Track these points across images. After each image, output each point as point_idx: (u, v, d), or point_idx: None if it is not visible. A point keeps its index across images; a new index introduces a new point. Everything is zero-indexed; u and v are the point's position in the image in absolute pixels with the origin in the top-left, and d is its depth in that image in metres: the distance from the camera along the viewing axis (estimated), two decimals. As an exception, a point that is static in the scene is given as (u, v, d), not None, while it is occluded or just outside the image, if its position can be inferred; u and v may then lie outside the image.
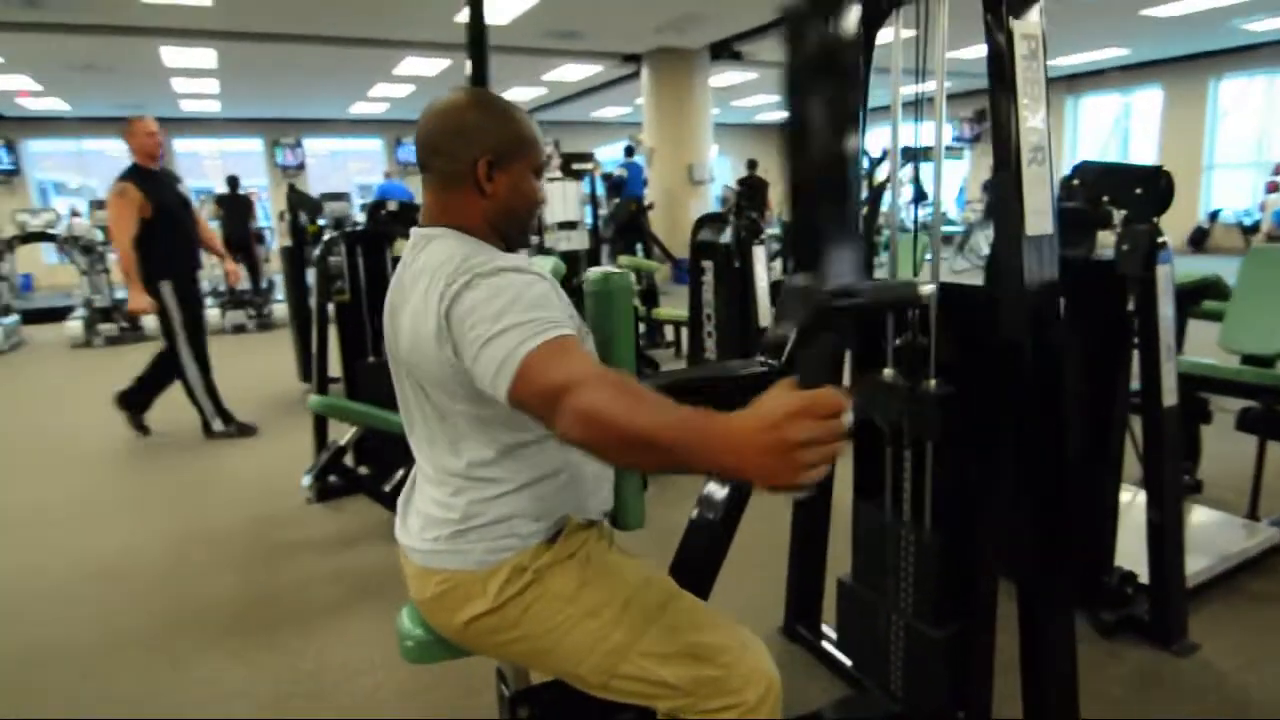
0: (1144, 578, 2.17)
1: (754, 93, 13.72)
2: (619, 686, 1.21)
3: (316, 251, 3.47)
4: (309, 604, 2.53)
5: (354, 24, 8.26)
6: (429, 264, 1.16)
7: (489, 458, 1.20)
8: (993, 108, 1.43)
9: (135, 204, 3.81)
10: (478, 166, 1.17)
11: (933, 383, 1.59)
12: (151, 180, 3.92)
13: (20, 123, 13.07)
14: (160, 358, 4.26)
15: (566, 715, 1.40)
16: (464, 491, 1.22)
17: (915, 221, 2.88)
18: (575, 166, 6.03)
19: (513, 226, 1.25)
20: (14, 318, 7.98)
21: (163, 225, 3.90)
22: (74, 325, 7.61)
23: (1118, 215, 2.07)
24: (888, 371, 1.68)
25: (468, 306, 1.06)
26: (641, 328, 6.37)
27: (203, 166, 14.84)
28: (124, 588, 2.69)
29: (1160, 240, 2.00)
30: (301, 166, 15.01)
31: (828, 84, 1.24)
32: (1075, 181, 2.20)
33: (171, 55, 9.16)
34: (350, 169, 16.07)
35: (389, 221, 3.47)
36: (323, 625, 2.39)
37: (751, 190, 11.01)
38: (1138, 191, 2.02)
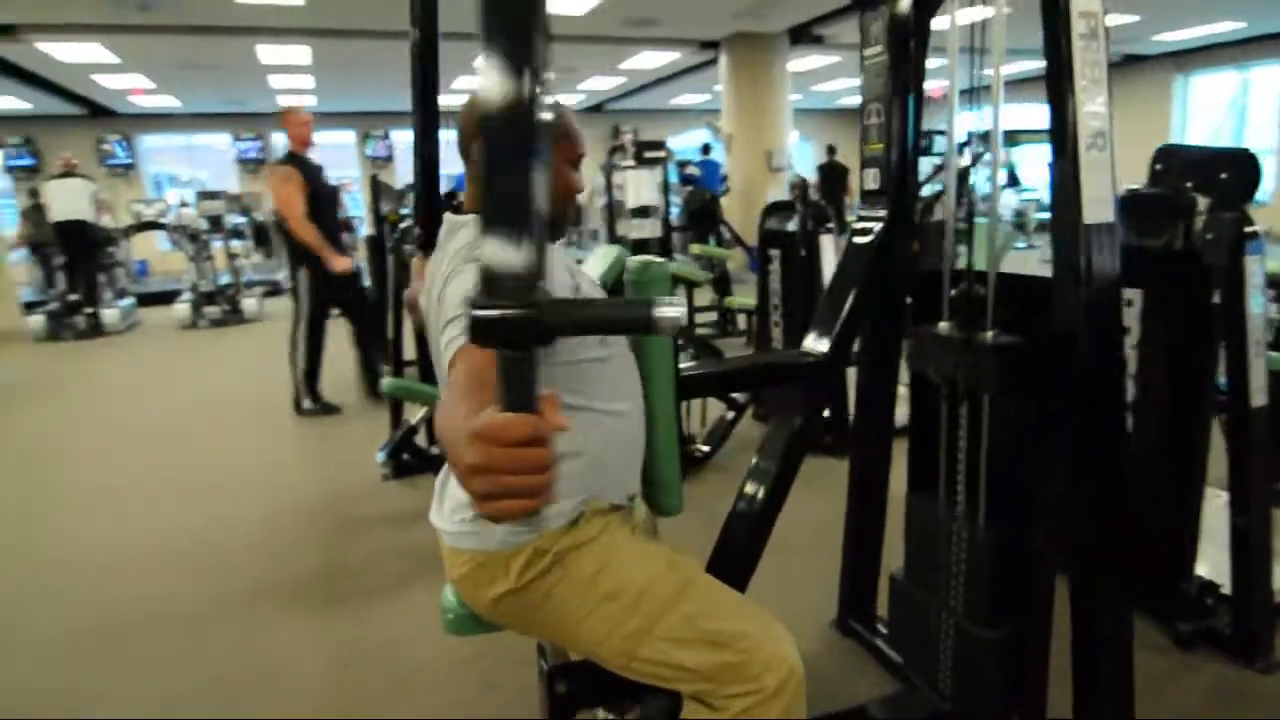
0: (1227, 588, 2.05)
1: (835, 77, 13.39)
2: (639, 669, 1.24)
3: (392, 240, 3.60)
4: (379, 576, 2.66)
5: (441, 18, 8.46)
6: (450, 250, 1.20)
7: (508, 440, 1.23)
8: (1049, 90, 1.37)
9: (299, 185, 4.05)
10: None
11: (990, 334, 1.54)
12: (306, 166, 4.19)
13: (136, 119, 13.97)
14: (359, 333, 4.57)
15: (602, 691, 1.43)
16: (489, 471, 1.25)
17: (962, 209, 2.74)
18: (648, 155, 6.05)
19: (550, 216, 1.28)
20: (130, 301, 8.57)
21: (313, 210, 4.13)
22: (182, 308, 8.12)
23: (1203, 202, 1.95)
24: (943, 324, 1.64)
25: (452, 289, 1.12)
26: (713, 315, 6.35)
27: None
28: (220, 555, 2.88)
29: (1250, 229, 1.87)
30: (389, 158, 15.52)
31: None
32: (1158, 166, 2.08)
33: (267, 53, 9.60)
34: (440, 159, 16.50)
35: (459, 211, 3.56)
36: (389, 596, 2.51)
37: (831, 177, 10.79)
38: (1223, 176, 1.89)
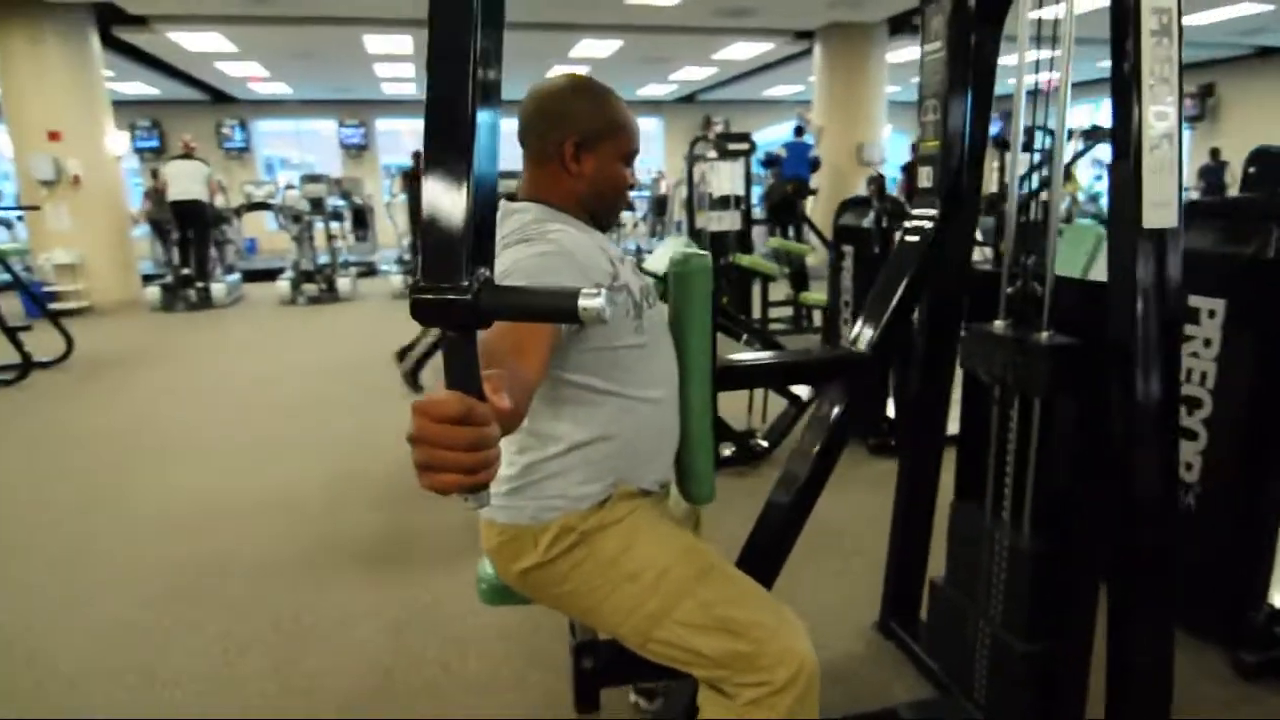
0: (1303, 619, 1.93)
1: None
2: (656, 650, 1.27)
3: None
4: (438, 546, 2.78)
5: (532, 9, 8.63)
6: (512, 229, 1.25)
7: (548, 418, 1.28)
8: (1113, 86, 1.32)
9: None
10: (565, 147, 1.25)
11: (1045, 334, 1.49)
12: None
13: (252, 104, 14.82)
14: None
15: (626, 669, 1.46)
16: (527, 450, 1.31)
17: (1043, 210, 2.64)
18: (731, 147, 6.02)
19: (600, 207, 1.32)
20: (236, 276, 9.13)
21: None
22: (282, 285, 8.59)
23: (1299, 208, 1.82)
24: (999, 323, 1.60)
25: (513, 272, 1.14)
26: (789, 310, 6.28)
27: (401, 144, 16.13)
28: (291, 515, 3.06)
29: (1349, 238, 1.75)
30: (484, 145, 15.92)
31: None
32: (1252, 169, 1.96)
33: (373, 42, 10.00)
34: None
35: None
36: (446, 566, 2.62)
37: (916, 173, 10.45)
38: (1322, 181, 1.77)
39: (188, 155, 8.26)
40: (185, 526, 2.99)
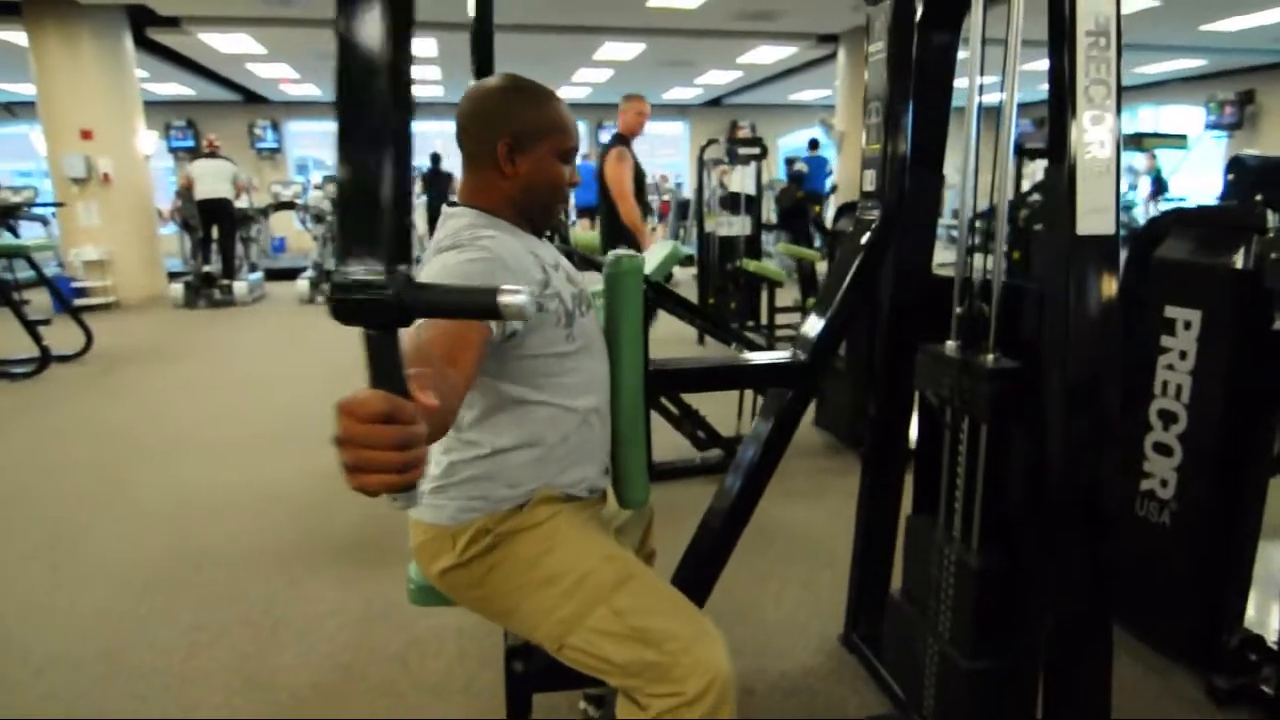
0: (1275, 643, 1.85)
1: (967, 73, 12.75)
2: (570, 656, 1.26)
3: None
4: (414, 546, 2.79)
5: (556, 12, 8.68)
6: (441, 235, 1.25)
7: (470, 420, 1.28)
8: (1050, 85, 1.28)
9: (630, 166, 4.25)
10: (498, 148, 1.23)
11: (990, 357, 1.46)
12: (631, 151, 4.38)
13: (284, 106, 15.09)
14: None
15: (560, 675, 1.45)
16: (450, 450, 1.30)
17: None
18: (742, 152, 5.99)
19: (535, 208, 1.30)
20: (259, 275, 9.29)
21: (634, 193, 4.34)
22: (302, 284, 8.72)
23: (1275, 218, 1.76)
24: (949, 344, 1.56)
25: (438, 277, 1.13)
26: (798, 316, 6.23)
27: (430, 145, 16.31)
28: (278, 510, 3.10)
29: (1326, 250, 1.68)
30: (511, 147, 16.04)
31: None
32: (1230, 177, 1.89)
33: (399, 45, 10.12)
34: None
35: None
36: (419, 567, 2.63)
37: None
38: (1294, 190, 1.71)
39: (214, 154, 8.43)
40: (176, 519, 3.04)
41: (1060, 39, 1.25)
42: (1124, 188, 11.14)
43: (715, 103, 15.98)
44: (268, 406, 4.61)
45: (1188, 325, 1.91)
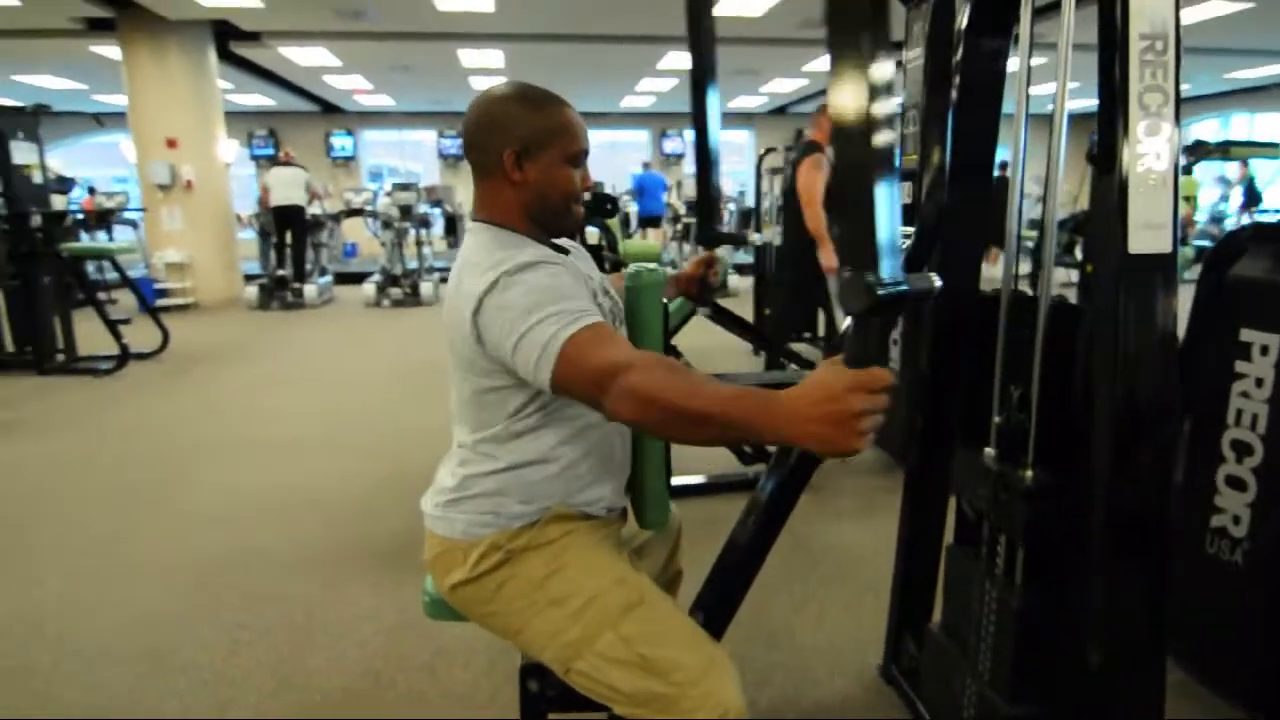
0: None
1: (1046, 80, 12.32)
2: (576, 680, 1.23)
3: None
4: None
5: (619, 22, 8.72)
6: (462, 258, 1.23)
7: (488, 435, 1.26)
8: (1099, 91, 1.19)
9: (823, 175, 4.19)
10: (505, 158, 1.21)
11: (1029, 472, 1.38)
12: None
13: (358, 115, 15.58)
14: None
15: (572, 695, 1.42)
16: (466, 464, 1.29)
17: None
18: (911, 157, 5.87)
19: (547, 216, 1.26)
20: (328, 278, 9.59)
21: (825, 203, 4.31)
22: (369, 288, 8.96)
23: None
24: (989, 450, 1.49)
25: (499, 304, 1.11)
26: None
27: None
28: (324, 514, 3.16)
29: None
30: (575, 155, 16.18)
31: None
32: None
33: (467, 56, 10.35)
34: (623, 160, 16.96)
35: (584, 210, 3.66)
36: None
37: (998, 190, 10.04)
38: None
39: (288, 163, 8.76)
40: (227, 519, 3.13)
41: (1111, 42, 1.16)
42: (1214, 199, 10.57)
43: (781, 111, 15.82)
44: (323, 408, 4.73)
45: (1265, 350, 1.77)
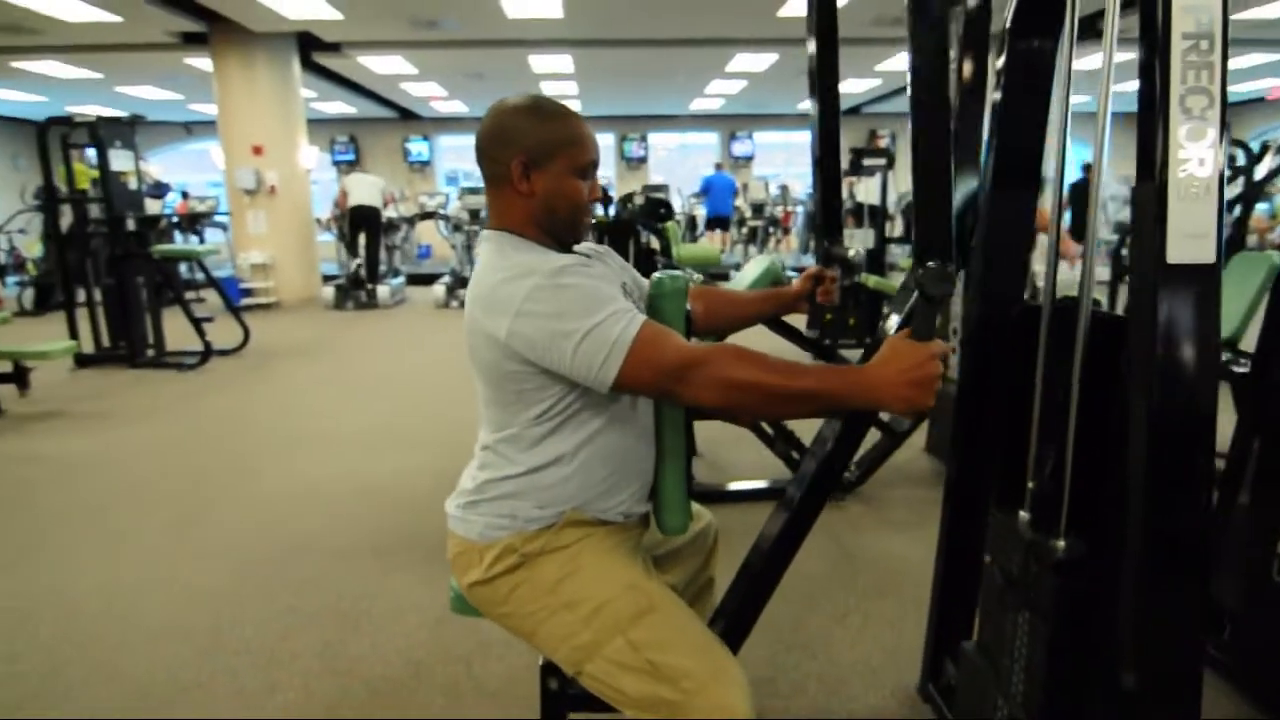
0: None
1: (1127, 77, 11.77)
2: (588, 683, 1.25)
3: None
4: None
5: (687, 25, 8.73)
6: (481, 265, 1.26)
7: (507, 438, 1.28)
8: (1139, 93, 1.14)
9: None
10: (512, 168, 1.23)
11: (1061, 543, 1.33)
12: None
13: (434, 121, 16.02)
14: None
15: (590, 695, 1.43)
16: (486, 467, 1.32)
17: None
18: (867, 163, 5.78)
19: (556, 226, 1.28)
20: (400, 280, 9.89)
21: None
22: (439, 290, 9.20)
23: None
24: (1024, 514, 1.45)
25: (543, 310, 1.13)
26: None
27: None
28: (379, 505, 3.27)
29: None
30: (644, 160, 16.26)
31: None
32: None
33: (537, 62, 10.52)
34: (693, 162, 16.94)
35: (636, 214, 3.69)
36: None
37: (1080, 197, 9.71)
38: None
39: (362, 169, 9.11)
40: (290, 506, 3.28)
41: (1151, 42, 1.11)
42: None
43: (854, 111, 15.53)
44: (387, 405, 4.88)
45: (1341, 366, 1.65)
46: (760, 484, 3.36)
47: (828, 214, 1.70)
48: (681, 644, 1.22)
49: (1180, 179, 1.09)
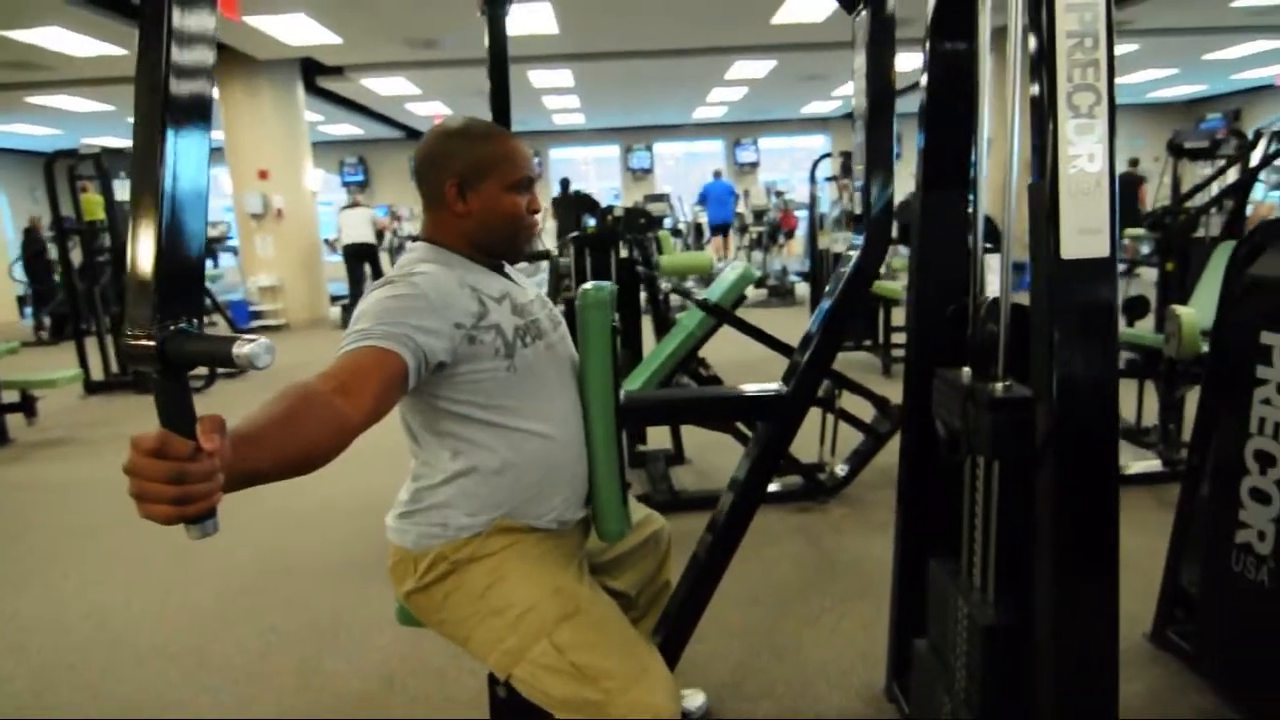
0: None
1: (1143, 66, 11.70)
2: (518, 686, 1.27)
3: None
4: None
5: (681, 35, 8.79)
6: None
7: (431, 447, 1.32)
8: (1031, 95, 1.16)
9: None
10: (446, 190, 1.28)
11: (999, 385, 1.32)
12: None
13: (441, 140, 16.19)
14: None
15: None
16: (418, 478, 1.35)
17: None
18: (858, 166, 5.77)
19: (494, 242, 1.33)
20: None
21: None
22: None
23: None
24: (964, 370, 1.44)
25: (360, 309, 1.20)
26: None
27: (578, 171, 16.92)
28: (362, 523, 3.30)
29: None
30: (649, 170, 16.33)
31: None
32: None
33: (538, 77, 10.62)
34: (699, 170, 16.92)
35: (616, 225, 3.72)
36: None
37: (1125, 191, 9.66)
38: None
39: (356, 205, 9.37)
40: (278, 527, 3.32)
41: (1037, 38, 1.12)
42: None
43: (848, 116, 15.50)
44: (387, 421, 4.92)
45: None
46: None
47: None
48: (605, 645, 1.24)
49: (1071, 175, 1.11)
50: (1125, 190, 9.81)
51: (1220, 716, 1.83)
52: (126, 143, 7.24)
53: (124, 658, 2.37)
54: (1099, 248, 1.11)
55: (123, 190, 6.12)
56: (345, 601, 2.64)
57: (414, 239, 1.38)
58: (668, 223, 10.59)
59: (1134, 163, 10.64)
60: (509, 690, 1.48)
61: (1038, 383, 1.14)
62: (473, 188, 1.28)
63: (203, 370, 5.86)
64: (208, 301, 6.76)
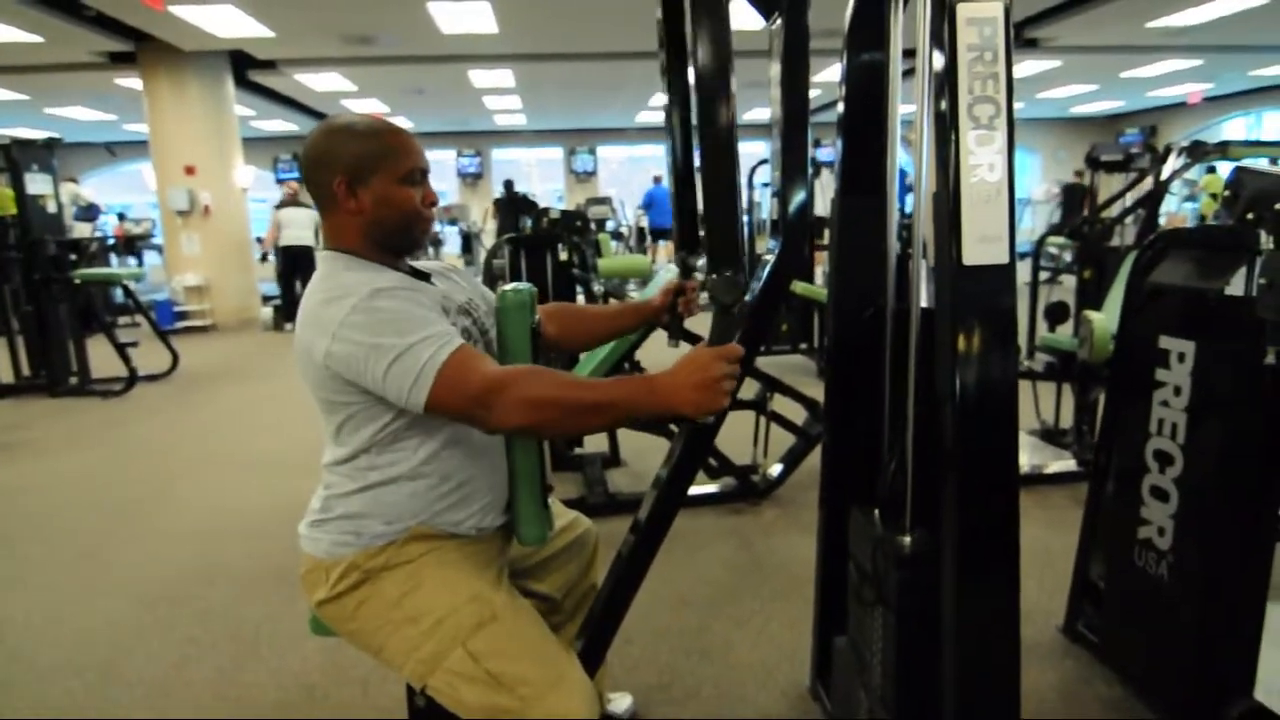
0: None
1: (1064, 82, 12.17)
2: (434, 695, 1.25)
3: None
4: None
5: (622, 39, 8.79)
6: (310, 287, 1.26)
7: (343, 457, 1.29)
8: (936, 107, 1.19)
9: None
10: (336, 188, 1.24)
11: (907, 538, 1.39)
12: None
13: (380, 138, 15.88)
14: None
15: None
16: (330, 486, 1.32)
17: None
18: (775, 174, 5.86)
19: (391, 237, 1.28)
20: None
21: None
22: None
23: (1268, 239, 1.57)
24: (876, 511, 1.51)
25: (358, 332, 1.14)
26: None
27: (521, 171, 16.80)
28: (290, 532, 3.21)
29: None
30: (593, 173, 16.32)
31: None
32: (1227, 193, 1.71)
33: (478, 77, 10.52)
34: (644, 174, 16.96)
35: (552, 228, 3.71)
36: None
37: (1070, 199, 10.32)
38: (1281, 208, 1.52)
39: (295, 202, 8.82)
40: (203, 536, 3.20)
41: (942, 54, 1.16)
42: (1217, 206, 10.35)
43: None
44: (311, 430, 4.80)
45: (1181, 357, 1.73)
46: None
47: (683, 226, 1.72)
48: (521, 652, 1.23)
49: (972, 184, 1.15)
50: (1071, 200, 10.27)
51: (1125, 707, 1.91)
52: (40, 133, 6.91)
53: (23, 673, 2.26)
54: (999, 254, 1.15)
55: (35, 184, 5.84)
56: (268, 612, 2.56)
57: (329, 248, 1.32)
58: (610, 226, 10.59)
59: (1080, 174, 11.06)
60: (427, 700, 1.46)
61: (942, 386, 1.17)
62: (363, 183, 1.24)
63: (122, 372, 5.64)
64: (129, 301, 6.50)
